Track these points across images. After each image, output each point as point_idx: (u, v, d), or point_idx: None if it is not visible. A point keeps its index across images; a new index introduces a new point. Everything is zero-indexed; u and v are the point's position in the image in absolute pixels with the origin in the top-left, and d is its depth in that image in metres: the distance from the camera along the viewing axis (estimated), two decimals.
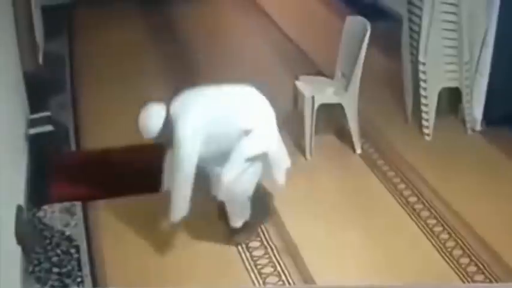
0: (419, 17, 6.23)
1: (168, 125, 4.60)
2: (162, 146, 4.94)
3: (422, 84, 6.33)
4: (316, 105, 5.97)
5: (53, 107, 6.96)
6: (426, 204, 5.54)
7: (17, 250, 4.76)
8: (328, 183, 5.86)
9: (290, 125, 6.45)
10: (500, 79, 6.29)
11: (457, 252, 5.00)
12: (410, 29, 6.46)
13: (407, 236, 5.20)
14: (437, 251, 5.02)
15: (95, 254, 5.01)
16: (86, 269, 4.87)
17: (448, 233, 5.20)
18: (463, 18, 6.13)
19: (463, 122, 6.54)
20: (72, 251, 5.03)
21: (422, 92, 6.36)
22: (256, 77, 7.66)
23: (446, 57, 6.34)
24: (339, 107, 6.09)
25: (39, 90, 6.80)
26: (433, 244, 5.09)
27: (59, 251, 5.02)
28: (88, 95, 7.45)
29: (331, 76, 6.43)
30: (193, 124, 4.58)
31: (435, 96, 6.37)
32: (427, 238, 5.16)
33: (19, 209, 4.91)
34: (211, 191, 4.86)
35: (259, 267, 4.89)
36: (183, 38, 9.15)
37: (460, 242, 5.10)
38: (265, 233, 5.22)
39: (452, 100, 6.64)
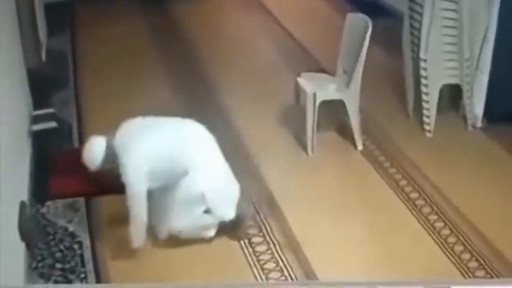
0: (420, 14, 6.23)
1: (111, 156, 4.78)
2: None
3: (423, 81, 6.33)
4: (317, 102, 5.97)
5: (56, 103, 6.98)
6: (427, 200, 5.55)
7: (21, 246, 4.78)
8: (329, 179, 5.87)
9: (292, 122, 6.51)
10: (500, 76, 6.29)
11: (458, 248, 5.01)
12: (411, 26, 6.47)
13: (409, 232, 5.21)
14: (439, 246, 5.03)
15: (98, 250, 5.03)
16: (89, 265, 4.89)
17: (450, 229, 5.21)
18: (464, 15, 6.13)
19: (464, 118, 6.54)
20: (76, 247, 5.05)
21: (423, 89, 6.36)
22: (257, 73, 7.76)
23: (447, 54, 6.34)
24: (340, 104, 6.10)
25: (42, 86, 6.84)
26: (434, 240, 5.10)
27: (62, 247, 5.04)
28: (91, 92, 7.46)
29: (332, 73, 6.44)
30: (136, 162, 4.75)
31: (436, 93, 6.38)
32: (429, 234, 5.17)
33: (22, 205, 4.93)
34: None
35: (261, 262, 4.90)
36: (185, 35, 9.14)
37: (461, 237, 5.11)
38: (268, 229, 5.24)
39: (453, 97, 6.64)
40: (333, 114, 6.49)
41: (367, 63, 5.98)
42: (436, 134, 6.41)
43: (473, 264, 4.86)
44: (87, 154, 4.88)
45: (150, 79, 7.75)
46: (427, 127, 6.42)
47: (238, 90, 7.39)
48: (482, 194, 5.61)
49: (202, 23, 9.59)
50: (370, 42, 5.90)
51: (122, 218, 4.93)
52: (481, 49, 6.27)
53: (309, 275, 4.77)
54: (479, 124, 6.52)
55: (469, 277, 4.73)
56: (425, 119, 6.43)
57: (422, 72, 6.30)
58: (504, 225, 5.22)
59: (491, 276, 4.74)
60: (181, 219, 4.91)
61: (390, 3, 8.99)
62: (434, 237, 5.14)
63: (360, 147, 6.24)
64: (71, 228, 5.23)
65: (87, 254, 4.99)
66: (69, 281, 4.73)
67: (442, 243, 5.07)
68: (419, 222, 5.31)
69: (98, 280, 4.76)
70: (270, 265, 4.88)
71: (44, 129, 6.17)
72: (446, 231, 5.19)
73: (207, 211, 4.94)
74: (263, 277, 4.77)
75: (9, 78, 5.66)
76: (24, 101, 6.36)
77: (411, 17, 6.45)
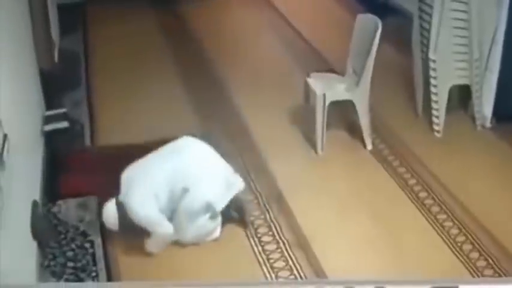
0: (430, 15, 6.23)
1: (124, 212, 4.92)
2: None
3: (432, 81, 6.33)
4: (327, 102, 5.98)
5: (68, 103, 6.99)
6: (436, 199, 5.55)
7: (33, 245, 4.80)
8: (339, 178, 5.87)
9: (301, 121, 6.51)
10: (509, 76, 6.27)
11: (466, 246, 5.02)
12: (421, 26, 6.47)
13: (418, 231, 5.21)
14: (447, 245, 5.04)
15: (109, 248, 5.06)
16: (101, 264, 4.91)
17: (458, 228, 5.21)
18: (473, 16, 6.12)
19: (473, 118, 6.53)
20: (87, 245, 5.07)
21: (432, 89, 6.36)
22: (267, 73, 7.77)
23: (456, 55, 6.33)
24: (350, 103, 6.10)
25: (54, 87, 6.84)
26: (443, 239, 5.11)
27: (73, 246, 5.06)
28: (103, 92, 7.48)
29: (342, 73, 6.45)
30: (145, 206, 4.92)
31: (445, 93, 6.37)
32: (437, 233, 5.17)
33: (35, 204, 4.94)
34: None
35: (271, 261, 4.92)
36: (194, 34, 9.14)
37: (469, 237, 5.12)
38: (277, 228, 5.25)
39: (462, 96, 6.63)
40: (342, 113, 6.50)
41: (377, 63, 5.98)
42: (445, 134, 6.41)
43: (481, 263, 4.87)
44: (105, 221, 5.05)
45: (161, 78, 7.75)
46: (436, 127, 6.42)
47: (247, 90, 7.39)
48: (491, 194, 5.61)
49: (212, 23, 9.58)
50: (380, 42, 5.89)
51: None
52: (490, 49, 6.27)
53: (319, 273, 4.79)
54: (488, 124, 6.51)
55: (478, 276, 4.74)
56: (434, 119, 6.43)
57: (432, 73, 6.30)
58: None
59: (500, 276, 4.74)
60: (187, 232, 5.02)
61: (400, 3, 8.96)
62: (443, 236, 5.14)
63: (369, 146, 6.24)
64: (82, 227, 5.24)
65: (99, 253, 5.01)
66: (81, 280, 4.76)
67: (450, 242, 5.07)
68: (428, 221, 5.31)
69: (109, 278, 4.79)
70: (280, 264, 4.90)
71: (56, 129, 6.18)
72: (454, 231, 5.19)
73: (211, 217, 5.04)
74: (273, 276, 4.79)
75: (22, 78, 5.68)
76: (37, 101, 6.37)
77: (420, 18, 6.46)
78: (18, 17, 6.07)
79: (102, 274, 4.83)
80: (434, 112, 6.41)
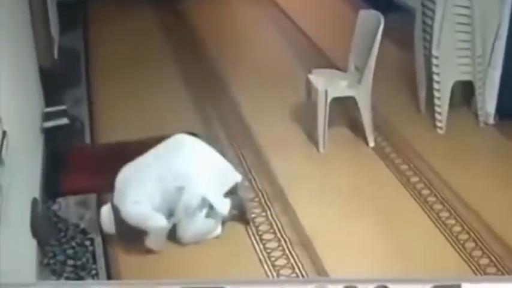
0: (433, 11, 6.21)
1: (120, 217, 4.94)
2: None
3: (435, 77, 6.31)
4: (329, 99, 5.96)
5: (68, 100, 7.00)
6: (439, 197, 5.52)
7: (33, 243, 4.78)
8: (341, 176, 5.86)
9: (303, 118, 6.51)
10: None
11: (469, 245, 4.99)
12: (423, 22, 6.45)
13: (420, 229, 5.19)
14: (450, 243, 5.02)
15: (109, 246, 5.04)
16: (101, 262, 4.90)
17: (461, 226, 5.18)
18: (476, 12, 6.10)
19: (476, 115, 6.52)
20: (87, 243, 5.06)
21: (435, 86, 6.34)
22: (268, 70, 7.77)
23: (459, 51, 6.31)
24: (352, 100, 6.09)
25: (54, 84, 6.83)
26: (445, 237, 5.08)
27: (73, 244, 5.05)
28: (103, 89, 7.48)
29: (344, 69, 6.43)
30: (133, 202, 4.92)
31: (448, 89, 6.36)
32: (440, 231, 5.15)
33: (34, 201, 4.93)
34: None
35: (272, 259, 4.90)
36: (196, 32, 9.17)
37: (472, 234, 5.09)
38: (279, 226, 5.23)
39: (465, 93, 6.62)
40: (344, 110, 6.51)
41: (379, 59, 5.96)
42: (448, 131, 6.39)
43: (484, 261, 4.84)
44: (102, 225, 5.08)
45: (162, 76, 7.76)
46: (438, 124, 6.40)
47: (249, 87, 7.40)
48: (494, 191, 5.58)
49: (213, 20, 9.61)
50: (382, 38, 5.88)
51: None
52: (493, 45, 6.25)
53: (320, 271, 4.77)
54: (491, 121, 6.49)
55: (480, 274, 4.71)
56: (437, 116, 6.41)
57: (435, 69, 6.28)
58: None
59: (503, 274, 4.72)
60: (187, 230, 5.00)
61: None
62: (445, 234, 5.12)
63: (371, 143, 6.22)
64: (82, 225, 5.24)
65: (99, 251, 5.00)
66: (81, 278, 4.74)
67: (453, 240, 5.05)
68: (430, 219, 5.29)
69: (109, 276, 4.77)
70: (281, 262, 4.88)
71: (56, 126, 6.18)
72: (457, 228, 5.17)
73: (208, 214, 5.03)
74: (274, 274, 4.77)
75: (21, 75, 5.67)
76: (37, 98, 6.36)
77: (423, 13, 6.44)
78: (18, 14, 6.06)
79: (102, 272, 4.81)
80: (437, 109, 6.39)
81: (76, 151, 6.24)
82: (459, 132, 6.41)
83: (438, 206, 5.42)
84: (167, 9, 9.99)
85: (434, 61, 6.25)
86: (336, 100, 6.04)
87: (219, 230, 5.11)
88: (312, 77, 6.28)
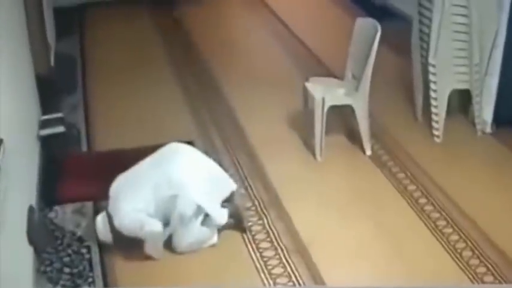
0: (429, 19, 6.22)
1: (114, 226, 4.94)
2: None
3: (432, 86, 6.31)
4: (326, 107, 5.96)
5: (64, 107, 6.99)
6: (436, 206, 5.52)
7: (29, 250, 4.77)
8: (338, 184, 5.85)
9: (300, 126, 6.50)
10: (510, 81, 6.26)
11: (466, 253, 4.99)
12: (420, 30, 6.46)
13: (417, 238, 5.18)
14: (447, 251, 5.01)
15: (106, 254, 5.02)
16: (97, 269, 4.89)
17: (458, 234, 5.18)
18: (473, 20, 6.11)
19: (473, 123, 6.52)
20: (84, 251, 5.05)
21: (432, 94, 6.34)
22: (266, 78, 7.78)
23: (456, 59, 6.31)
24: (349, 108, 6.09)
25: (51, 91, 6.84)
26: (443, 245, 5.08)
27: (70, 251, 5.04)
28: (99, 96, 7.46)
29: (341, 77, 6.43)
30: (126, 212, 4.90)
31: (445, 97, 6.36)
32: (437, 239, 5.14)
33: (31, 209, 4.92)
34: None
35: (269, 267, 4.88)
36: (193, 38, 9.16)
37: (469, 243, 5.09)
38: (275, 234, 5.22)
39: (462, 101, 6.63)
40: (341, 118, 6.51)
41: (376, 67, 5.96)
42: (445, 139, 6.39)
43: (481, 269, 4.83)
44: (98, 234, 5.05)
45: (159, 82, 7.76)
46: (436, 132, 6.40)
47: (246, 94, 7.40)
48: (491, 200, 5.59)
49: (211, 26, 9.61)
50: (379, 46, 5.87)
51: None
52: (490, 54, 6.25)
53: (317, 279, 4.76)
54: (488, 129, 6.49)
55: (477, 283, 4.71)
56: (434, 124, 6.41)
57: (432, 77, 6.28)
58: None
59: (500, 282, 4.72)
60: (182, 239, 4.99)
61: (399, 7, 8.99)
62: (442, 242, 5.11)
63: (368, 152, 6.22)
64: (79, 233, 5.22)
65: (95, 258, 4.99)
66: (77, 285, 4.74)
67: (450, 248, 5.04)
68: (427, 227, 5.28)
69: (106, 284, 4.76)
70: (278, 270, 4.86)
71: (53, 134, 6.18)
72: (455, 237, 5.16)
73: (204, 222, 5.02)
74: (271, 282, 4.75)
75: (18, 82, 5.66)
76: (33, 106, 6.36)
77: (420, 22, 6.45)
78: (14, 21, 6.06)
79: (99, 280, 4.80)
80: (434, 117, 6.40)
81: (72, 159, 6.22)
82: (456, 141, 6.41)
83: (435, 215, 5.42)
84: (164, 14, 10.00)
85: (431, 69, 6.26)
86: (333, 108, 6.03)
87: (215, 239, 5.10)
88: (309, 85, 6.28)
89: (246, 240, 5.16)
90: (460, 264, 4.89)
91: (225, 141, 6.48)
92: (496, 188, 5.74)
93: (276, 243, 5.13)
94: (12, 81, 5.27)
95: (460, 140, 6.45)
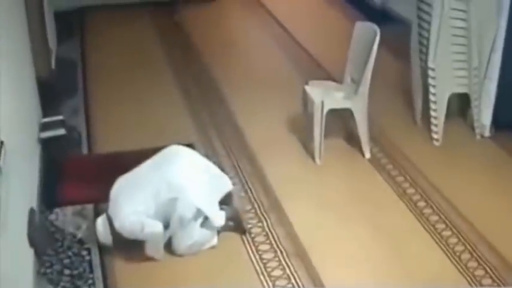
0: (428, 23, 6.22)
1: (115, 229, 4.94)
2: None
3: (431, 89, 6.32)
4: (325, 110, 5.96)
5: (65, 110, 6.98)
6: (435, 208, 5.52)
7: (29, 252, 4.77)
8: (337, 187, 5.85)
9: (299, 129, 6.51)
10: (509, 85, 6.26)
11: (465, 256, 4.99)
12: (420, 34, 6.46)
13: (416, 240, 5.19)
14: (446, 254, 5.02)
15: (106, 256, 5.02)
16: (98, 271, 4.89)
17: (457, 237, 5.19)
18: (472, 24, 6.12)
19: (472, 127, 6.52)
20: (84, 253, 5.05)
21: (431, 98, 6.34)
22: (265, 81, 7.77)
23: (456, 63, 6.32)
24: (348, 111, 6.09)
25: (52, 94, 6.85)
26: (441, 248, 5.08)
27: (70, 253, 5.03)
28: (100, 98, 7.46)
29: (340, 81, 6.43)
30: (126, 214, 4.89)
31: (444, 101, 6.36)
32: (436, 242, 5.15)
33: (31, 212, 4.92)
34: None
35: (268, 270, 4.88)
36: (193, 41, 9.16)
37: (468, 246, 5.09)
38: (275, 237, 5.22)
39: (461, 105, 6.63)
40: (340, 122, 6.52)
41: (375, 71, 5.96)
42: (444, 143, 6.39)
43: (480, 272, 4.84)
44: (98, 237, 5.05)
45: (159, 85, 7.76)
46: (435, 135, 6.41)
47: (246, 97, 7.40)
48: (490, 203, 5.59)
49: (211, 30, 9.60)
50: (378, 50, 5.87)
51: None
52: (489, 57, 6.25)
53: (316, 282, 4.76)
54: (487, 133, 6.49)
55: (476, 285, 4.71)
56: (433, 128, 6.41)
57: (431, 81, 6.28)
58: (511, 234, 5.22)
59: (498, 285, 4.72)
60: (182, 242, 5.00)
61: (398, 11, 8.98)
62: (441, 245, 5.12)
63: (367, 155, 6.22)
64: (79, 235, 5.22)
65: (96, 260, 4.99)
66: (77, 287, 4.73)
67: (449, 251, 5.05)
68: (426, 230, 5.28)
69: (106, 286, 4.76)
70: (277, 273, 4.86)
71: (53, 136, 6.18)
72: (453, 240, 5.17)
73: (203, 224, 5.03)
74: (270, 285, 4.75)
75: (19, 85, 5.66)
76: (34, 108, 6.36)
77: (419, 26, 6.45)
78: (15, 24, 6.06)
79: (99, 282, 4.80)
80: (433, 120, 6.40)
81: (73, 161, 6.22)
82: (455, 144, 6.41)
83: (434, 218, 5.42)
84: (164, 17, 10.00)
85: (430, 73, 6.26)
86: (332, 111, 6.03)
87: (215, 241, 5.11)
88: (308, 89, 6.28)
89: (246, 243, 5.17)
90: (459, 267, 4.89)
91: (224, 144, 6.48)
92: (495, 191, 5.74)
93: (275, 246, 5.13)
94: (13, 83, 5.27)
95: (459, 143, 6.45)
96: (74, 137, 6.55)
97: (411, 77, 6.73)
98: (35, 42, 6.71)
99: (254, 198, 5.69)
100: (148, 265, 4.92)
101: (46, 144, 6.17)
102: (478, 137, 6.50)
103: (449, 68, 6.32)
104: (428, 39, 6.25)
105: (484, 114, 6.47)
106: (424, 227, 5.33)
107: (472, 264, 4.93)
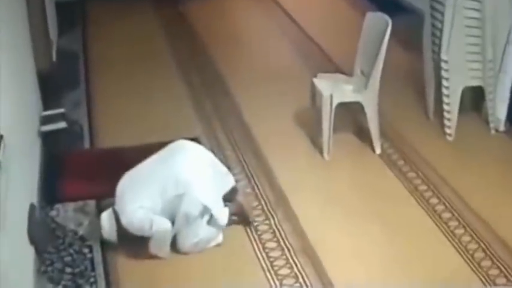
0: (442, 13, 6.14)
1: (121, 225, 4.90)
2: None
3: (444, 82, 6.24)
4: (334, 104, 5.89)
5: (67, 103, 6.97)
6: (447, 205, 5.45)
7: (30, 249, 4.75)
8: (346, 183, 5.81)
9: (308, 123, 6.47)
10: None
11: (478, 254, 4.92)
12: (432, 25, 6.39)
13: (428, 238, 5.11)
14: (458, 252, 4.94)
15: (108, 253, 4.97)
16: (99, 269, 4.84)
17: (470, 235, 5.11)
18: (487, 15, 6.04)
19: (487, 121, 6.45)
20: (85, 250, 5.00)
21: (444, 91, 6.27)
22: (273, 74, 7.76)
23: (469, 55, 6.25)
24: (358, 105, 6.02)
25: (53, 87, 6.85)
26: (454, 246, 5.00)
27: (71, 251, 4.99)
28: (102, 92, 7.43)
29: (350, 74, 6.37)
30: (133, 210, 4.85)
31: (458, 95, 6.29)
32: (448, 240, 5.07)
33: (32, 207, 4.89)
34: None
35: (275, 268, 4.82)
36: (197, 33, 9.15)
37: (481, 244, 5.01)
38: (282, 234, 5.16)
39: (475, 98, 6.57)
40: (350, 116, 6.46)
41: (386, 63, 5.89)
42: (458, 138, 6.33)
43: (494, 271, 4.76)
44: (103, 233, 5.00)
45: (162, 78, 7.74)
46: (448, 130, 6.34)
47: (253, 91, 7.35)
48: (504, 200, 5.51)
49: (216, 21, 9.64)
50: (390, 41, 5.81)
51: None
52: (504, 50, 6.18)
53: (324, 280, 4.70)
54: (502, 128, 6.43)
55: (490, 285, 4.65)
56: (446, 122, 6.34)
57: (444, 74, 6.21)
58: None
59: None
60: (187, 240, 4.95)
61: (410, 1, 9.00)
62: (453, 243, 5.04)
63: (378, 150, 6.15)
64: (80, 232, 5.18)
65: (97, 258, 4.95)
66: (79, 286, 4.70)
67: (461, 249, 4.97)
68: (438, 228, 5.21)
69: (108, 284, 4.72)
70: (284, 271, 4.80)
71: (54, 130, 6.16)
72: (466, 238, 5.09)
73: (209, 222, 4.99)
74: (277, 283, 4.69)
75: (19, 78, 5.64)
76: (34, 101, 6.36)
77: (432, 16, 6.37)
78: (16, 16, 6.05)
79: (101, 280, 4.76)
80: (446, 115, 6.33)
81: (75, 156, 6.20)
82: (469, 139, 6.34)
83: (447, 215, 5.34)
84: (167, 9, 10.02)
85: (443, 65, 6.19)
86: (342, 105, 5.97)
87: (220, 238, 5.06)
88: (316, 81, 6.21)
89: (252, 240, 5.11)
90: (472, 266, 4.82)
91: (230, 139, 6.45)
92: (510, 188, 5.66)
93: (282, 243, 5.07)
94: (13, 76, 5.26)
95: (473, 138, 6.39)
96: (76, 130, 6.52)
97: (423, 69, 6.67)
98: (36, 33, 6.73)
99: (261, 194, 5.63)
100: (151, 263, 4.88)
101: (47, 138, 6.15)
102: (493, 131, 6.44)
103: (463, 60, 6.26)
104: (441, 30, 6.18)
105: (499, 108, 6.40)
106: (436, 224, 5.25)
107: (486, 263, 4.85)
